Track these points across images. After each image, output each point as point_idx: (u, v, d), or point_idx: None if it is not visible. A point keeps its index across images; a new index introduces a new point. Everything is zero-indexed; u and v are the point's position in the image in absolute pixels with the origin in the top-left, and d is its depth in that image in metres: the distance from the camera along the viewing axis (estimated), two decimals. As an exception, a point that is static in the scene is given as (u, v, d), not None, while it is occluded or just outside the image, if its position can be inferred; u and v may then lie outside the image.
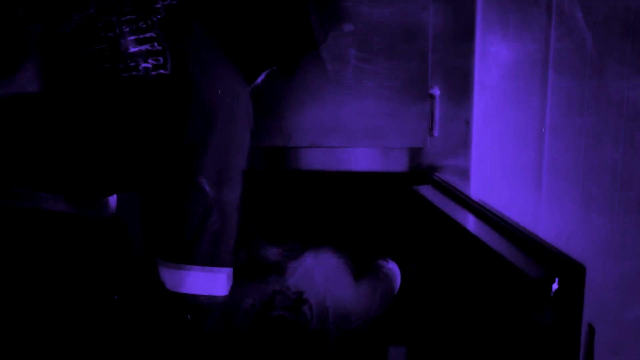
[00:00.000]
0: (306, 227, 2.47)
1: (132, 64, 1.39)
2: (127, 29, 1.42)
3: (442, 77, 2.49)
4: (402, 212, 2.50)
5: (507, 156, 2.56)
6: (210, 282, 1.44)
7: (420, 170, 2.58)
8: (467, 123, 2.40)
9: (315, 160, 2.60)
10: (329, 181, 2.57)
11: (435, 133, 2.51)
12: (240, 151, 1.49)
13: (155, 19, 1.44)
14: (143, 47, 1.41)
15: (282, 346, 1.67)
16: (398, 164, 2.61)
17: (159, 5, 1.45)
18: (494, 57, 2.48)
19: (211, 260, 1.45)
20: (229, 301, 1.50)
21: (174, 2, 1.46)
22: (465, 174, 2.43)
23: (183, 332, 1.49)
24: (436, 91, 2.50)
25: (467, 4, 2.33)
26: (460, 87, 2.42)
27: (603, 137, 2.55)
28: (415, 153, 2.60)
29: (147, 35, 1.42)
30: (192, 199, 1.42)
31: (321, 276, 1.85)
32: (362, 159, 2.61)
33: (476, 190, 2.43)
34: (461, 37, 2.38)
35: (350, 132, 2.47)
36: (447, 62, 2.47)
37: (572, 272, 1.51)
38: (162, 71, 1.39)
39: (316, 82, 2.45)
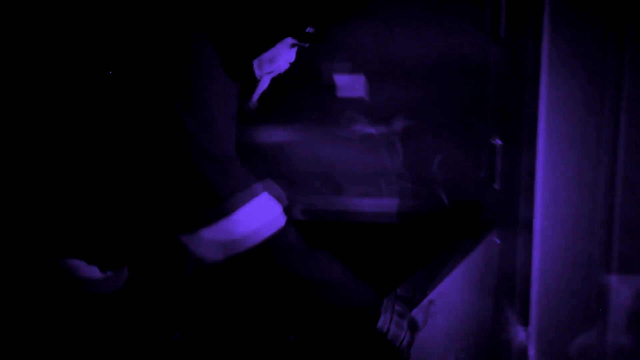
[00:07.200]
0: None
1: None
2: None
3: (504, 124, 2.36)
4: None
5: (575, 211, 2.42)
6: None
7: (480, 223, 2.44)
8: (531, 174, 2.30)
9: (365, 208, 2.50)
10: (378, 231, 2.45)
11: (496, 185, 2.38)
12: None
13: None
14: None
15: None
16: (455, 215, 2.48)
17: None
18: (561, 103, 2.37)
19: None
20: None
21: None
22: (528, 228, 2.31)
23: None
24: (497, 141, 2.38)
25: (531, 47, 2.25)
26: (524, 135, 2.31)
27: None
28: (474, 205, 2.47)
29: None
30: None
31: None
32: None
33: (541, 246, 2.31)
34: (525, 81, 2.28)
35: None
36: (509, 108, 2.35)
37: None
38: None
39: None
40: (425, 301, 1.61)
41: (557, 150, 2.40)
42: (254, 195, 1.27)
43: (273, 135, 2.46)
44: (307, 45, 1.43)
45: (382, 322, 1.38)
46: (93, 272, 1.45)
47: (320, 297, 1.32)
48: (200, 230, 1.24)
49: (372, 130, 2.36)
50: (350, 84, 2.42)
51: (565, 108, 2.38)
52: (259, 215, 1.26)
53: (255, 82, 1.41)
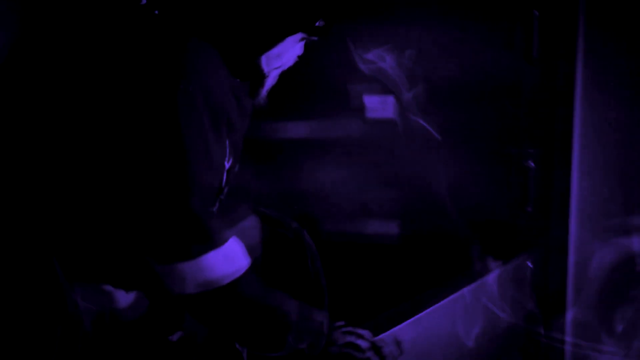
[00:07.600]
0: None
1: None
2: None
3: (537, 144, 2.34)
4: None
5: (610, 235, 2.35)
6: None
7: (512, 246, 2.40)
8: (565, 197, 2.26)
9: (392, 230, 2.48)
10: (407, 252, 2.43)
11: (529, 208, 2.34)
12: None
13: None
14: None
15: None
16: (488, 237, 2.44)
17: None
18: (595, 124, 2.33)
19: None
20: None
21: None
22: (563, 251, 2.27)
23: None
24: (530, 163, 2.35)
25: (565, 67, 2.23)
26: (557, 157, 2.29)
27: None
28: (506, 227, 2.43)
29: None
30: None
31: None
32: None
33: (575, 270, 2.27)
34: (559, 102, 2.26)
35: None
36: (542, 127, 2.32)
37: None
38: None
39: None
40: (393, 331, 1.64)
41: (591, 173, 2.35)
42: (219, 244, 1.28)
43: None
44: (315, 38, 1.43)
45: (336, 349, 1.40)
46: (121, 297, 1.45)
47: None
48: (161, 266, 1.27)
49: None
50: (379, 105, 2.42)
51: (600, 129, 2.34)
52: (221, 264, 1.28)
53: (263, 78, 1.40)
